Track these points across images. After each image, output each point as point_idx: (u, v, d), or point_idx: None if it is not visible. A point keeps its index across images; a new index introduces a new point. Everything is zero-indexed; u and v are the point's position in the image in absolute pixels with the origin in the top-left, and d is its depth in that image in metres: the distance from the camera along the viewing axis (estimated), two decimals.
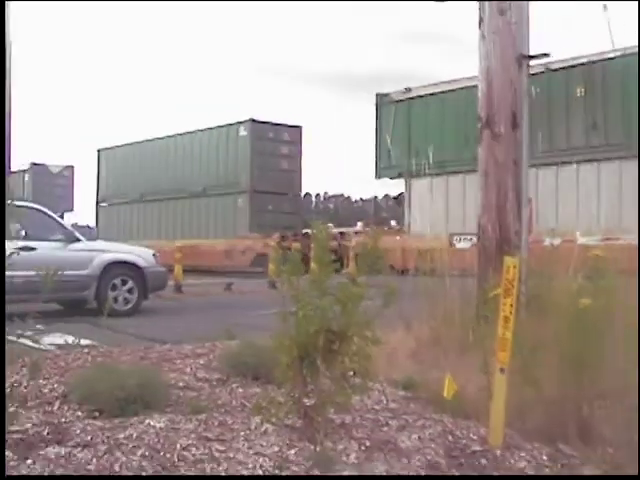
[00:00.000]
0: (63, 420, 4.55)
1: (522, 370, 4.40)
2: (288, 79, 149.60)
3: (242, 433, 4.25)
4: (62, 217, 49.23)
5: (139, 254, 14.69)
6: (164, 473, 3.66)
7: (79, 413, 4.71)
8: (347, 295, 4.27)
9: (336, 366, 4.33)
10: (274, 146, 32.13)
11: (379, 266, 4.48)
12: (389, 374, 5.79)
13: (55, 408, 4.85)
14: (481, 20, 7.40)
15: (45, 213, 13.94)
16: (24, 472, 3.60)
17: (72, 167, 49.90)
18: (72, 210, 49.95)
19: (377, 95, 28.21)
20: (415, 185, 26.20)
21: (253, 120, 31.80)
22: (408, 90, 26.78)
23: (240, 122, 32.10)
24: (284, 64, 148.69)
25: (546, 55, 7.45)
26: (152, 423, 4.35)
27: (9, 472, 3.58)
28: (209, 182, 32.94)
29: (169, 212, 35.56)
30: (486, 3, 7.36)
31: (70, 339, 7.25)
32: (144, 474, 3.64)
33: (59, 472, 3.62)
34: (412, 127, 26.96)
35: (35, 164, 47.78)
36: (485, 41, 7.36)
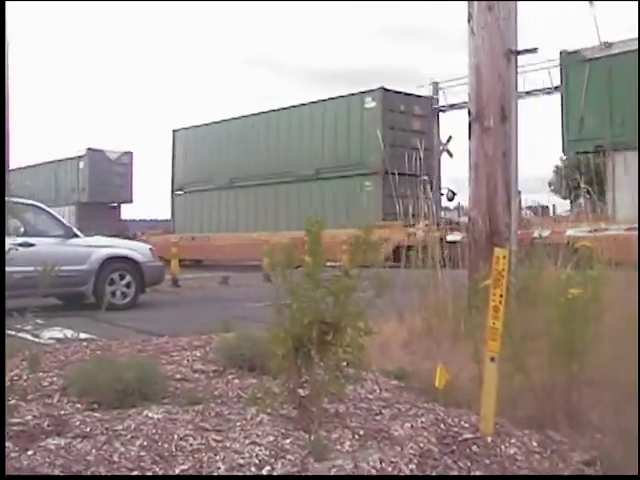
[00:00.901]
0: (63, 412, 4.61)
1: (512, 359, 4.47)
2: (273, 73, 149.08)
3: (238, 423, 4.31)
4: (119, 209, 44.77)
5: (136, 249, 14.78)
6: (162, 463, 3.72)
7: (78, 405, 4.77)
8: (340, 287, 4.34)
9: (330, 357, 4.39)
10: (406, 120, 27.25)
11: (373, 258, 4.55)
12: (382, 364, 5.85)
13: (55, 400, 4.91)
14: (470, 16, 7.47)
15: (43, 209, 14.02)
16: (25, 462, 3.66)
17: (131, 153, 44.30)
18: (131, 201, 45.12)
19: (561, 53, 23.79)
20: (620, 160, 21.61)
21: (384, 89, 27.14)
22: (607, 45, 22.21)
23: (367, 91, 27.22)
24: (270, 58, 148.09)
25: (534, 50, 7.51)
26: (150, 414, 4.41)
27: (10, 462, 3.64)
28: (323, 163, 27.81)
29: (268, 199, 29.90)
30: None
31: (69, 333, 7.35)
32: (142, 464, 3.70)
33: (59, 462, 3.67)
34: (614, 90, 22.01)
35: (91, 150, 42.33)
36: (474, 37, 7.42)
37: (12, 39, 4.45)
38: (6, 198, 4.78)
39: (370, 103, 26.90)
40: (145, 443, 3.93)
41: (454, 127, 36.58)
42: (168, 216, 37.94)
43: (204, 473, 3.60)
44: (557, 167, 27.10)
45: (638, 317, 4.52)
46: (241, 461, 3.73)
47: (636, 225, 11.35)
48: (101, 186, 41.96)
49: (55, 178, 43.95)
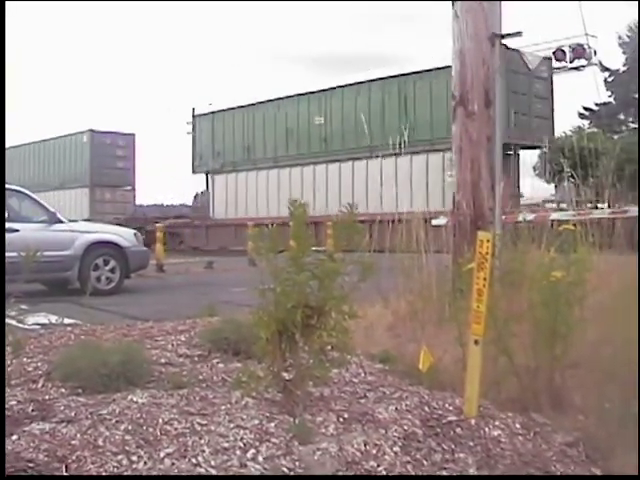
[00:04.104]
0: (47, 397, 4.61)
1: (496, 342, 4.49)
2: (271, 60, 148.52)
3: (223, 407, 4.32)
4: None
5: (121, 234, 14.74)
6: (147, 447, 3.72)
7: (63, 390, 4.77)
8: (324, 271, 4.35)
9: (314, 340, 4.40)
10: None
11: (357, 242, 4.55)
12: (367, 348, 5.87)
13: (39, 385, 4.91)
14: (454, 0, 7.47)
15: (27, 194, 13.97)
16: (10, 447, 3.65)
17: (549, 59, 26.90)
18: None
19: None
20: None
21: None
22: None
23: None
24: (267, 45, 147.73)
25: (519, 34, 7.52)
26: (135, 399, 4.41)
27: None
28: None
29: None
30: None
31: (54, 318, 7.33)
32: (127, 448, 3.70)
33: (44, 447, 3.66)
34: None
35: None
36: (458, 20, 7.41)
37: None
38: None
39: None
40: (130, 427, 3.93)
41: None
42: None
43: (189, 457, 3.61)
44: (541, 151, 25.44)
45: (638, 300, 4.54)
46: (226, 445, 3.74)
47: (621, 209, 11.41)
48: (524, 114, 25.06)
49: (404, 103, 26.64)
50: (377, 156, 23.59)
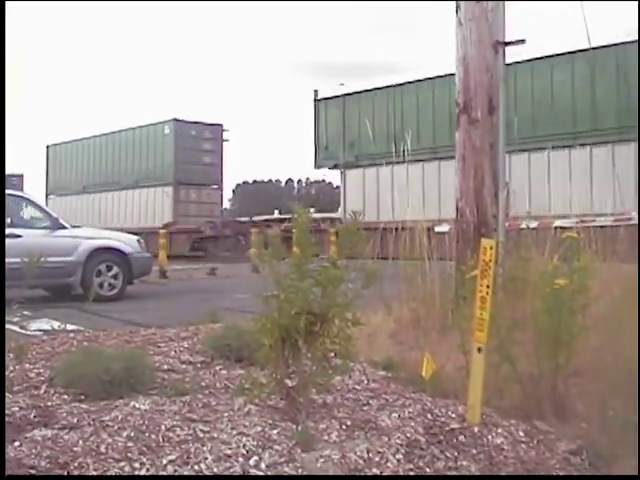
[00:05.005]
0: (49, 403, 4.61)
1: (499, 349, 4.48)
2: (272, 67, 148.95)
3: (226, 414, 4.32)
4: None
5: (124, 240, 14.72)
6: (149, 454, 3.71)
7: (65, 396, 4.77)
8: (327, 278, 4.34)
9: (317, 347, 4.39)
10: None
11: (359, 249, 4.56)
12: (370, 355, 5.88)
13: (41, 392, 4.91)
14: (458, 7, 7.48)
15: (30, 200, 13.98)
16: (12, 454, 3.65)
17: None
18: None
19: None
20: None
21: None
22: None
23: None
24: (267, 52, 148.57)
25: (522, 42, 7.52)
26: (137, 405, 4.41)
27: None
28: None
29: None
30: None
31: (56, 324, 7.33)
32: (130, 455, 3.70)
33: (46, 453, 3.66)
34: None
35: None
36: (462, 28, 7.42)
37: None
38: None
39: None
40: (132, 434, 3.93)
41: None
42: None
43: (191, 464, 3.60)
44: None
45: (638, 307, 4.52)
46: (228, 452, 3.74)
47: (624, 216, 11.41)
48: None
49: None
50: (584, 144, 20.41)
